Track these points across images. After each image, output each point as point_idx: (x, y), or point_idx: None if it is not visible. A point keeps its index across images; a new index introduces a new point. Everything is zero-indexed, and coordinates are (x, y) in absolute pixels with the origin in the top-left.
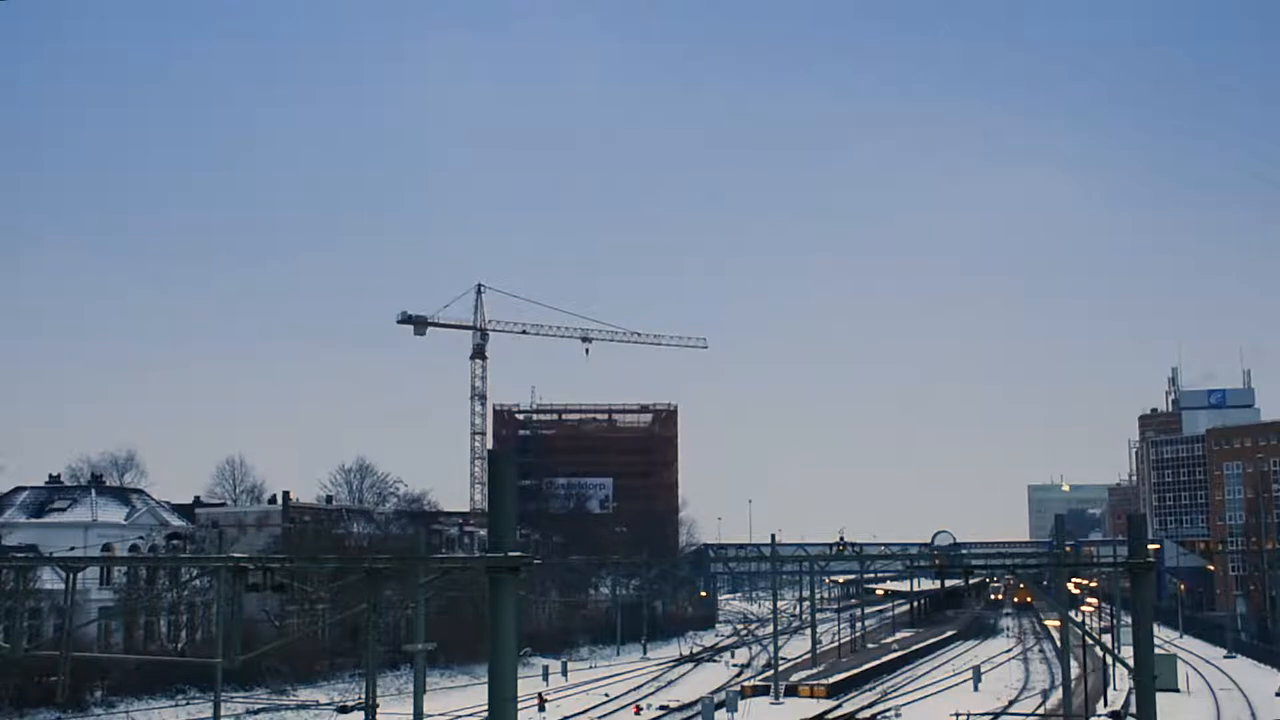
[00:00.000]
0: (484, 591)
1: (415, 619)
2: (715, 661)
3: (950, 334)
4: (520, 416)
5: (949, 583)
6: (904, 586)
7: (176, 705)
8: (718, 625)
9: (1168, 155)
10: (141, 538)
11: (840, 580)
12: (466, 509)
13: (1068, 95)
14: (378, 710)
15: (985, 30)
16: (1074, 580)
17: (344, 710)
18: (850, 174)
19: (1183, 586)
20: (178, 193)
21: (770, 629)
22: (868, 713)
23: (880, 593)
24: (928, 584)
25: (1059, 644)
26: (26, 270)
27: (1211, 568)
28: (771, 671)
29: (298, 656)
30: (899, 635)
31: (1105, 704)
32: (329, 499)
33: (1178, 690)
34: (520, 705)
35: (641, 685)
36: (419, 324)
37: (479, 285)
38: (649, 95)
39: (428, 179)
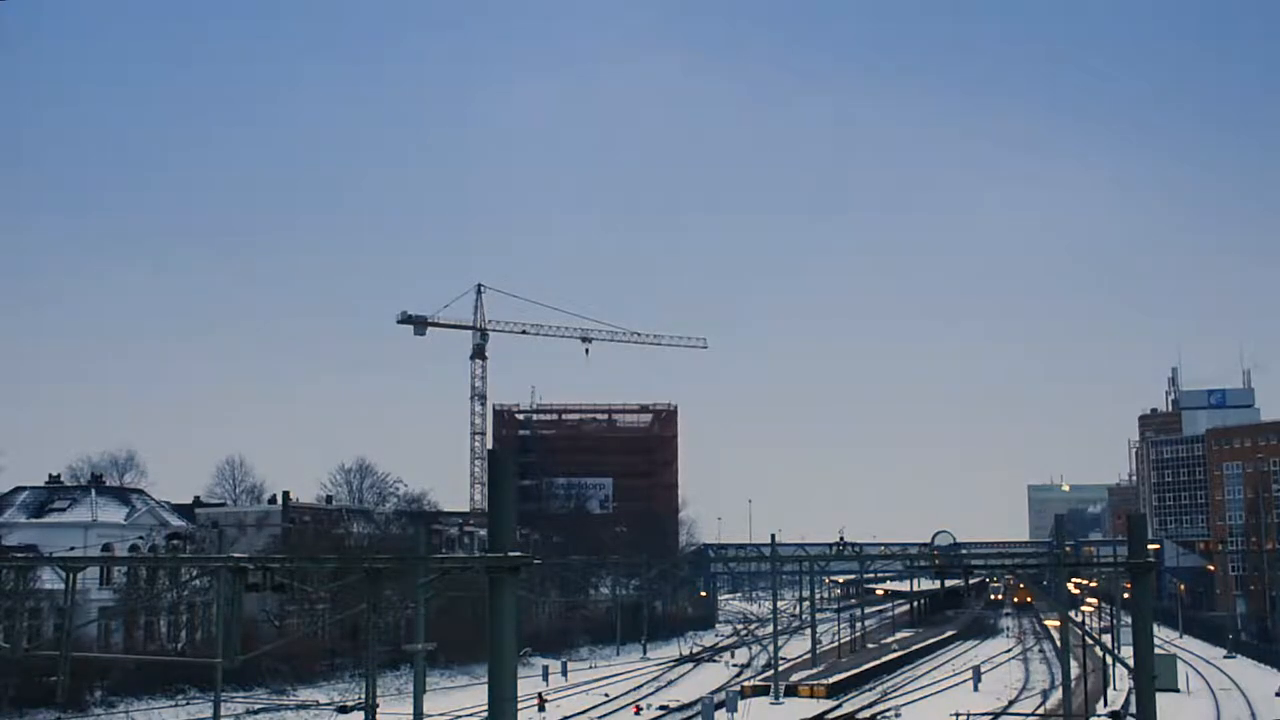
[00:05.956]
0: (484, 591)
1: (415, 619)
2: (715, 661)
3: (950, 334)
4: (520, 416)
5: (949, 583)
6: (904, 586)
7: (176, 705)
8: (717, 625)
9: (1168, 155)
10: (141, 538)
11: (840, 580)
12: (466, 509)
13: (1069, 97)
14: (378, 710)
15: (986, 32)
16: (1074, 580)
17: (344, 710)
18: (851, 175)
19: (1183, 586)
20: (179, 192)
21: (770, 629)
22: (868, 713)
23: (880, 593)
24: (928, 584)
25: (1059, 644)
26: (27, 270)
27: (1211, 568)
28: (771, 671)
29: (298, 656)
30: (899, 635)
31: (1105, 704)
32: (329, 499)
33: (1178, 690)
34: (520, 705)
35: (641, 685)
36: (419, 324)
37: (479, 285)
38: (649, 95)
39: (428, 179)
